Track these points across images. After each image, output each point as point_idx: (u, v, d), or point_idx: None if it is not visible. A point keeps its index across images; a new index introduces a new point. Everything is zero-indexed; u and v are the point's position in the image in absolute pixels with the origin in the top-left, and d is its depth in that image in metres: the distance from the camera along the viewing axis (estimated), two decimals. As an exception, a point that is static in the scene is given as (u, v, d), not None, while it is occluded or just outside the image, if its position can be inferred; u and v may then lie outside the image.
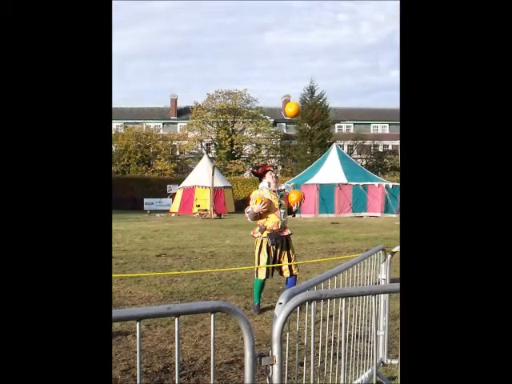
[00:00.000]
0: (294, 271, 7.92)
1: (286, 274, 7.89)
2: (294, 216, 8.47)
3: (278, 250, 7.84)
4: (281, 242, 7.85)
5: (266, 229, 7.83)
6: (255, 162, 63.54)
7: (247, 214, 7.94)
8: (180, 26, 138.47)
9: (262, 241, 7.87)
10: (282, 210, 7.93)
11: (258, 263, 7.88)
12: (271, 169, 8.34)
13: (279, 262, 7.87)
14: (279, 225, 7.84)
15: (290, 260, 7.92)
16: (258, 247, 7.92)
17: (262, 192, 8.00)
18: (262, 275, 7.84)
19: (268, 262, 7.80)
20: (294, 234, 8.61)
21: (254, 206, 7.79)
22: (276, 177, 8.24)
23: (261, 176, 8.24)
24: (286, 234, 7.94)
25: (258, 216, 7.84)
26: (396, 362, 5.08)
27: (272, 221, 7.83)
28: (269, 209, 7.77)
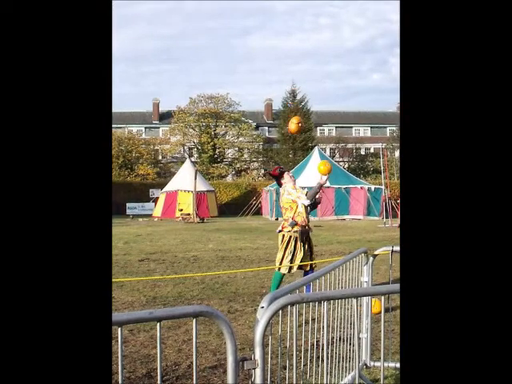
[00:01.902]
0: (314, 265, 8.49)
1: (307, 267, 8.38)
2: (315, 207, 9.03)
3: (301, 246, 8.35)
4: (305, 237, 8.47)
5: (296, 224, 8.32)
6: (238, 165, 63.50)
7: (304, 198, 8.35)
8: (161, 30, 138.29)
9: (290, 236, 8.32)
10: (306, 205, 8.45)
11: (283, 258, 8.30)
12: (284, 169, 8.94)
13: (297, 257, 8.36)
14: (307, 220, 8.48)
15: (311, 254, 8.58)
16: (285, 242, 8.33)
17: (288, 187, 8.49)
18: (284, 270, 8.30)
19: (291, 260, 8.27)
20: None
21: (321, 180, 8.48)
22: (292, 176, 8.79)
23: (278, 177, 8.73)
24: (310, 231, 8.61)
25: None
26: (379, 364, 5.10)
27: (302, 216, 8.36)
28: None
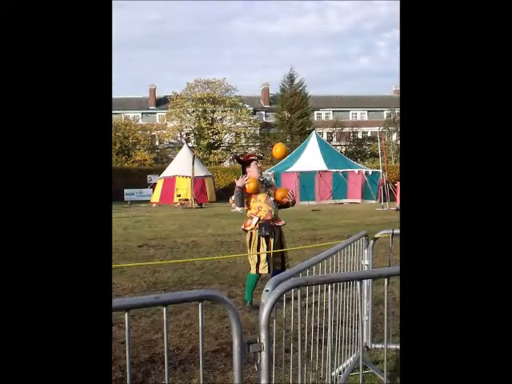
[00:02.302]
0: (286, 264, 7.62)
1: (277, 266, 7.47)
2: (288, 207, 7.94)
3: (272, 241, 7.49)
4: (273, 232, 7.53)
5: (260, 219, 7.46)
6: (235, 150, 63.44)
7: (233, 200, 7.60)
8: (145, 16, 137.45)
9: (252, 233, 7.52)
10: (272, 199, 7.60)
11: (259, 260, 7.38)
12: (256, 158, 7.91)
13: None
14: (272, 214, 7.52)
15: (282, 252, 7.60)
16: (253, 240, 7.49)
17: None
18: (264, 270, 7.35)
19: (267, 256, 7.39)
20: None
21: (238, 181, 7.47)
22: (260, 167, 7.88)
23: (245, 164, 7.90)
24: (279, 224, 7.64)
25: (244, 199, 7.53)
26: (380, 346, 5.13)
27: (265, 210, 7.48)
28: (256, 188, 7.42)
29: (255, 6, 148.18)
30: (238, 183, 7.46)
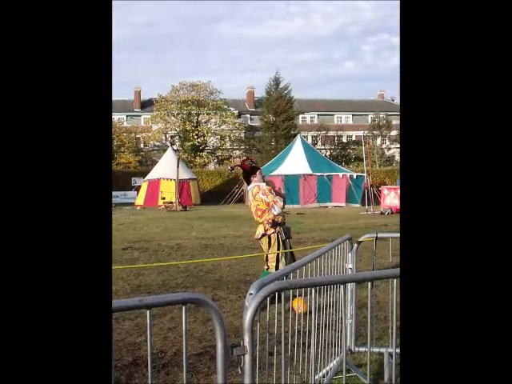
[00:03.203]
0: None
1: (272, 269, 7.83)
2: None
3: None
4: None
5: (278, 223, 8.04)
6: (220, 153, 63.41)
7: (280, 205, 8.13)
8: (132, 18, 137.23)
9: (278, 236, 8.04)
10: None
11: (278, 261, 7.92)
12: (260, 167, 8.65)
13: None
14: (284, 217, 8.26)
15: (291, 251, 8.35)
16: (274, 243, 8.02)
17: (265, 188, 8.17)
18: (272, 268, 7.82)
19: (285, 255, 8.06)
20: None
21: (275, 198, 8.07)
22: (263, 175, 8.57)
23: (250, 173, 8.39)
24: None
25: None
26: (363, 349, 5.15)
27: (282, 215, 8.13)
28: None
29: (241, 9, 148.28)
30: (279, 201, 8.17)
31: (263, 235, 8.08)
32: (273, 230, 8.00)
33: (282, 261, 7.92)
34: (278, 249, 7.99)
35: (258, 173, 8.31)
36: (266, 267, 8.07)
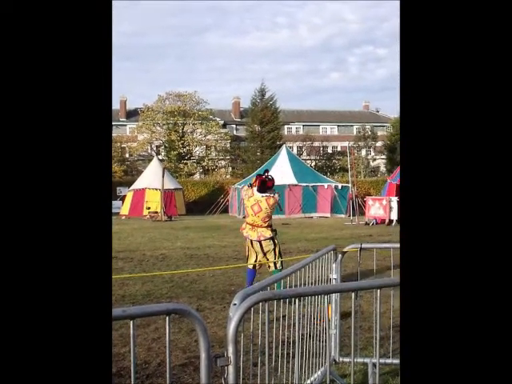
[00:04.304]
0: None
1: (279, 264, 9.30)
2: None
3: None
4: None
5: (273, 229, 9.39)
6: (205, 163, 63.34)
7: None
8: (119, 27, 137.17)
9: (274, 239, 9.30)
10: None
11: (281, 257, 9.42)
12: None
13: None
14: None
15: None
16: (278, 244, 9.39)
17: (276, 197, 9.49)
18: (279, 265, 9.23)
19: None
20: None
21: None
22: None
23: (266, 187, 9.42)
24: None
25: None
26: (348, 359, 5.16)
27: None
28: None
29: (228, 20, 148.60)
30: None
31: (270, 238, 9.28)
32: (273, 234, 9.32)
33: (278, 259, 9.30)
34: (279, 247, 9.48)
35: (270, 192, 9.45)
36: (271, 267, 9.29)
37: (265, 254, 9.27)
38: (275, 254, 9.28)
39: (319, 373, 4.54)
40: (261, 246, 9.24)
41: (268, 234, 9.25)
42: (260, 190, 9.40)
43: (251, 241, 9.28)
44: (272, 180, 9.56)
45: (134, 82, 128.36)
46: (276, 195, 9.45)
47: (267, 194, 9.33)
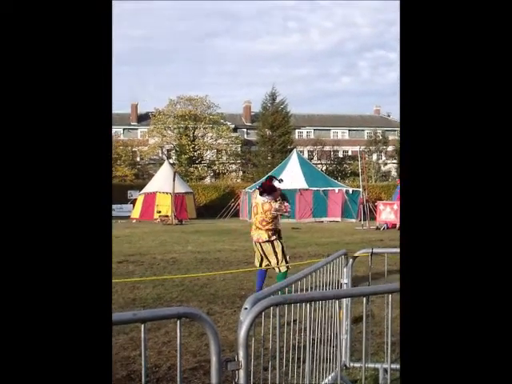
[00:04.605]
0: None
1: (283, 268, 9.45)
2: None
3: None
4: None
5: (277, 231, 9.49)
6: (216, 167, 63.45)
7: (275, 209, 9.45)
8: (130, 31, 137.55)
9: (279, 241, 9.46)
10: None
11: (285, 257, 9.46)
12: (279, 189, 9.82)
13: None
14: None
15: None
16: (280, 246, 9.45)
17: (274, 206, 9.46)
18: (283, 269, 9.37)
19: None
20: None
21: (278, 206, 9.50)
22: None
23: (270, 191, 9.61)
24: None
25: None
26: (358, 365, 5.14)
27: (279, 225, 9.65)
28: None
29: (239, 25, 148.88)
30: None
31: (267, 241, 9.39)
32: (275, 237, 9.40)
33: (285, 261, 9.45)
34: (283, 251, 9.47)
35: (274, 194, 9.61)
36: (277, 270, 9.48)
37: (266, 256, 9.46)
38: (277, 258, 9.41)
39: (330, 378, 4.52)
40: (261, 247, 9.49)
41: (265, 236, 9.40)
42: (261, 194, 9.69)
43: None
44: (270, 187, 9.72)
45: (144, 86, 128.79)
46: (275, 204, 9.48)
47: (265, 199, 9.53)
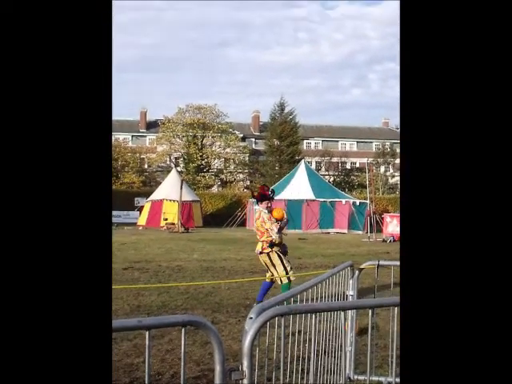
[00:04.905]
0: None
1: (284, 280, 9.18)
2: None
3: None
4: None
5: (275, 244, 9.22)
6: (223, 176, 63.52)
7: (275, 233, 9.28)
8: (141, 40, 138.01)
9: (276, 253, 9.22)
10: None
11: (285, 269, 9.20)
12: (271, 198, 9.63)
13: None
14: (281, 238, 9.49)
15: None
16: (277, 258, 9.24)
17: (264, 216, 9.35)
18: (292, 276, 9.25)
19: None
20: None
21: (271, 226, 9.28)
22: (269, 204, 9.57)
23: (261, 200, 9.51)
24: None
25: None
26: (363, 377, 5.11)
27: (279, 238, 9.36)
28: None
29: (249, 35, 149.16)
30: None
31: (261, 253, 9.33)
32: (269, 250, 9.22)
33: (290, 272, 9.24)
34: (282, 262, 9.23)
35: (264, 202, 9.47)
36: (279, 281, 9.24)
37: (268, 268, 9.43)
38: (276, 270, 9.27)
39: (333, 390, 4.50)
40: (261, 258, 9.52)
41: (259, 248, 9.39)
42: (257, 203, 9.91)
43: None
44: (261, 195, 9.61)
45: (154, 93, 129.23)
46: (263, 213, 9.43)
47: (258, 209, 9.75)
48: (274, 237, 9.24)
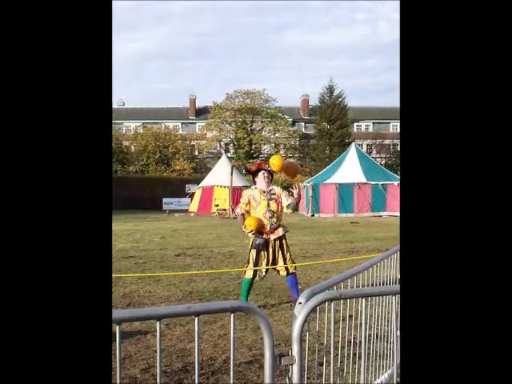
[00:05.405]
0: (291, 270, 7.94)
1: (283, 273, 7.96)
2: (294, 209, 8.13)
3: (271, 251, 7.83)
4: (272, 244, 7.83)
5: (252, 231, 7.71)
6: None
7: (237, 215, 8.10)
8: (197, 27, 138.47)
9: (252, 240, 7.85)
10: (270, 212, 7.83)
11: (248, 262, 7.90)
12: (265, 167, 8.05)
13: (274, 263, 7.89)
14: (268, 227, 7.77)
15: (285, 260, 7.91)
16: (250, 245, 7.90)
17: (253, 192, 7.95)
18: (248, 274, 7.86)
19: (255, 263, 7.82)
20: (291, 232, 8.60)
21: (240, 219, 7.97)
22: (268, 177, 8.03)
23: (253, 174, 8.20)
24: (275, 236, 7.86)
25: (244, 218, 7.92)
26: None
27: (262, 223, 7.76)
28: (257, 226, 7.66)
29: (306, 18, 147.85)
30: (238, 210, 8.04)
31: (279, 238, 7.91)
32: (250, 235, 7.83)
33: (250, 266, 7.85)
34: (249, 254, 7.92)
35: (259, 174, 8.02)
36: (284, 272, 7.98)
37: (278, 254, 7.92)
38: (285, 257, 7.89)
39: (386, 375, 4.45)
40: None
41: (280, 232, 7.92)
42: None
43: None
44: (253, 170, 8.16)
45: (207, 80, 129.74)
46: (277, 190, 7.96)
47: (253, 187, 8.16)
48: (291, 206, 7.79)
